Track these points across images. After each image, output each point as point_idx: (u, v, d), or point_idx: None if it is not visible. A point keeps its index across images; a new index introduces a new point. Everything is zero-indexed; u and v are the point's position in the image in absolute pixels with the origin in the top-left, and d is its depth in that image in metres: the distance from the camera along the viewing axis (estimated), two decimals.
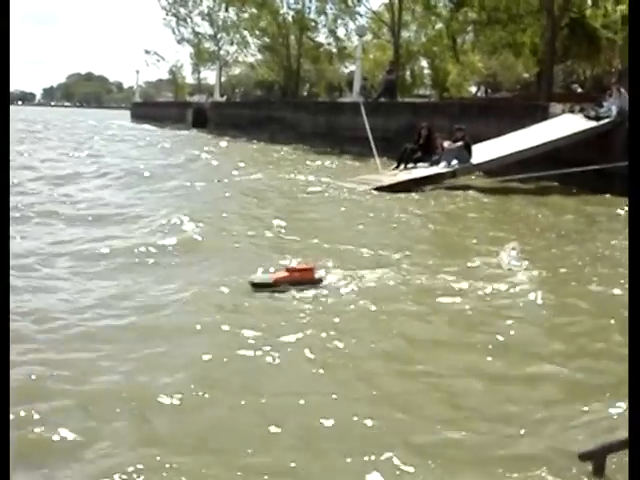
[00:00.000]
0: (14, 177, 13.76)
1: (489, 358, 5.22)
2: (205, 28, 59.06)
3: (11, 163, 16.80)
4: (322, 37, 46.53)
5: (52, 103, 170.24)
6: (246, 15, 51.45)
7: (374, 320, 6.03)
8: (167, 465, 3.52)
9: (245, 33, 53.31)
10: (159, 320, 5.90)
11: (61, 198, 12.86)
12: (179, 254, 8.36)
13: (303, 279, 6.96)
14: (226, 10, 55.27)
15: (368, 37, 40.38)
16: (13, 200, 10.41)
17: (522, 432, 4.01)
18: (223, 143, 31.41)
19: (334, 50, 46.20)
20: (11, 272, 6.06)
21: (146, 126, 49.44)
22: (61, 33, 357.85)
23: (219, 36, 57.61)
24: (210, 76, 63.09)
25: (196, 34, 60.16)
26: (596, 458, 3.40)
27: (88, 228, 9.94)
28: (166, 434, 3.90)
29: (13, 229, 8.51)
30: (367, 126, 20.86)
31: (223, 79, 56.46)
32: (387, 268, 7.69)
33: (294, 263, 7.47)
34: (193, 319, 5.86)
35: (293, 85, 46.63)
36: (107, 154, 23.14)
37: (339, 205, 13.13)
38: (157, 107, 67.01)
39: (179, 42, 61.78)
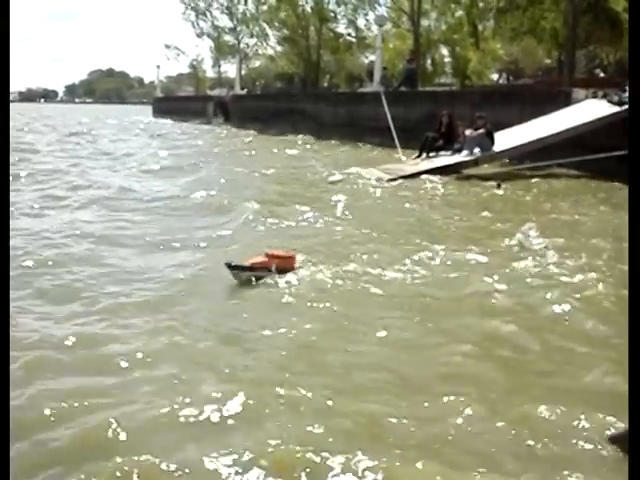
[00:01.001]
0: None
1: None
2: (224, 21, 59.31)
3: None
4: (342, 27, 46.53)
5: (75, 100, 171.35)
6: (265, 7, 51.55)
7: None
8: None
9: (264, 25, 53.43)
10: None
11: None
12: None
13: (284, 266, 6.76)
14: (245, 3, 55.47)
15: (388, 26, 40.19)
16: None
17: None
18: (248, 138, 31.51)
19: (354, 40, 46.15)
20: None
21: (175, 123, 49.66)
22: (82, 30, 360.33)
23: (239, 29, 57.78)
24: (230, 69, 63.24)
25: (216, 27, 60.42)
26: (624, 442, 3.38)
27: None
28: None
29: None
30: (388, 116, 20.85)
31: (243, 72, 56.50)
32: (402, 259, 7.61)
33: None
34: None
35: (313, 76, 46.60)
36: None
37: (360, 194, 13.18)
38: (178, 101, 67.23)
39: (199, 36, 62.12)
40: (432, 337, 5.34)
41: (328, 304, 5.96)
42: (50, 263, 7.44)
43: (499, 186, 13.81)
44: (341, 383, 4.45)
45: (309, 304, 5.99)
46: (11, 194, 14.44)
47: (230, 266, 6.74)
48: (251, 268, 6.74)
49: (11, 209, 10.15)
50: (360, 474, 3.32)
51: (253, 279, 6.64)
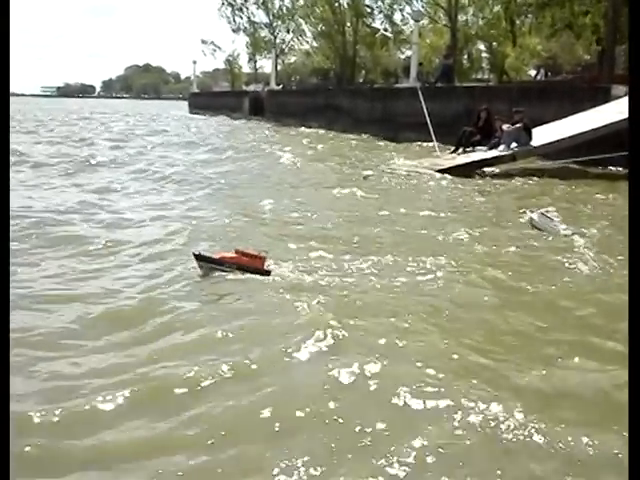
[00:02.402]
0: None
1: None
2: (261, 17, 59.62)
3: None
4: (378, 23, 46.46)
5: (113, 95, 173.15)
6: (301, 2, 51.70)
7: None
8: None
9: (300, 21, 53.60)
10: None
11: None
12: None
13: (251, 266, 6.59)
14: None
15: (424, 21, 40.06)
16: None
17: None
18: (282, 133, 31.68)
19: (390, 36, 46.05)
20: None
21: (215, 118, 50.04)
22: (119, 25, 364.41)
23: (275, 24, 58.02)
24: (266, 65, 63.55)
25: (252, 23, 60.78)
26: None
27: None
28: None
29: None
30: (425, 111, 20.78)
31: (279, 67, 56.76)
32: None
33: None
34: None
35: (349, 72, 46.60)
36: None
37: (396, 188, 13.21)
38: (214, 97, 67.64)
39: (235, 31, 62.53)
40: None
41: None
42: None
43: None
44: None
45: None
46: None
47: (197, 256, 6.63)
48: (218, 262, 6.62)
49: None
50: None
51: (217, 273, 6.54)
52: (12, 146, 16.33)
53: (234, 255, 6.67)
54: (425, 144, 20.99)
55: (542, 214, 9.07)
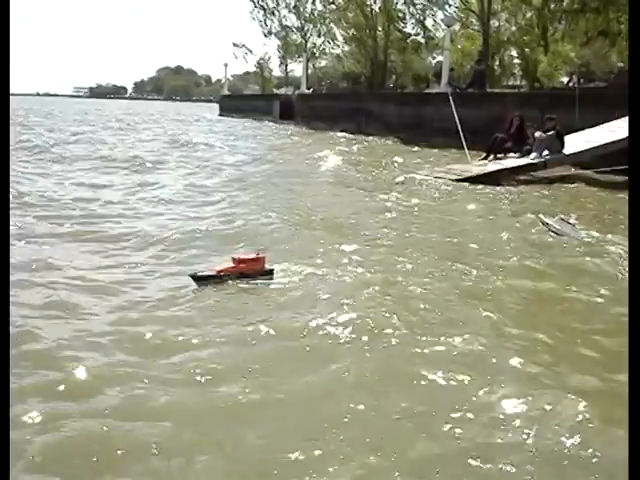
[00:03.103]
0: None
1: None
2: (292, 20, 59.76)
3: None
4: (409, 28, 46.35)
5: (144, 96, 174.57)
6: (333, 7, 51.72)
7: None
8: None
9: (332, 25, 53.63)
10: None
11: None
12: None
13: (250, 270, 6.51)
14: (313, 2, 55.79)
15: (456, 27, 39.90)
16: None
17: None
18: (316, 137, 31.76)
19: (421, 41, 45.94)
20: None
21: (246, 121, 50.35)
22: (152, 28, 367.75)
23: (306, 28, 58.11)
24: (296, 68, 63.65)
25: (283, 27, 60.92)
26: None
27: None
28: None
29: None
30: (456, 117, 20.69)
31: (309, 71, 56.80)
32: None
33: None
34: None
35: (380, 76, 46.55)
36: None
37: (427, 195, 13.19)
38: (244, 100, 67.94)
39: (266, 35, 62.69)
40: None
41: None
42: None
43: None
44: None
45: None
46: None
47: (195, 278, 6.46)
48: (216, 276, 6.49)
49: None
50: None
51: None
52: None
53: (231, 265, 6.57)
54: (455, 150, 20.90)
55: (561, 219, 9.15)
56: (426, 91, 39.73)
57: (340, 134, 32.16)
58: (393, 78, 52.35)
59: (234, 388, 4.24)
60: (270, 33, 62.21)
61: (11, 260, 7.11)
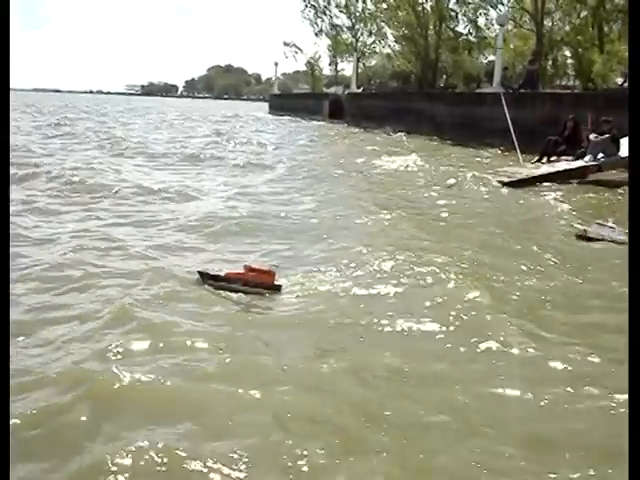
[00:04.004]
0: None
1: None
2: (343, 20, 59.72)
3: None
4: (461, 27, 45.96)
5: (195, 95, 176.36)
6: (384, 6, 51.54)
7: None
8: None
9: (383, 24, 53.46)
10: None
11: None
12: None
13: (258, 281, 6.44)
14: (364, 1, 55.68)
15: (509, 26, 39.45)
16: None
17: None
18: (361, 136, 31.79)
19: (473, 40, 45.50)
20: None
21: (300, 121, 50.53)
22: (204, 26, 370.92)
23: (357, 27, 58.03)
24: (346, 67, 63.69)
25: (334, 26, 60.92)
26: None
27: None
28: None
29: None
30: (508, 117, 20.50)
31: (359, 70, 56.73)
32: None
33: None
34: None
35: (430, 76, 46.28)
36: None
37: (477, 197, 13.11)
38: (294, 99, 68.23)
39: (317, 34, 62.79)
40: None
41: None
42: None
43: None
44: None
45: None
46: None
47: (202, 274, 6.58)
48: (225, 279, 6.52)
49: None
50: None
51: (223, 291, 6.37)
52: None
53: (240, 272, 6.57)
54: (507, 152, 20.72)
55: (599, 224, 9.10)
56: (477, 91, 39.39)
57: (395, 135, 31.95)
58: (443, 78, 52.03)
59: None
60: (321, 32, 62.35)
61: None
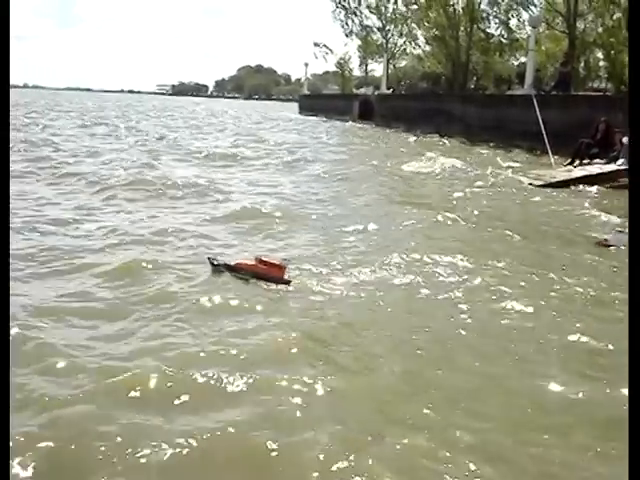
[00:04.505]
0: None
1: None
2: (373, 20, 59.65)
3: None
4: (493, 28, 45.71)
5: (225, 95, 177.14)
6: (415, 7, 51.41)
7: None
8: None
9: (413, 25, 53.33)
10: None
11: None
12: None
13: (269, 274, 6.50)
14: (395, 2, 55.58)
15: (540, 28, 39.15)
16: None
17: None
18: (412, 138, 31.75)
19: (505, 41, 45.23)
20: None
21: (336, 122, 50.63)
22: (234, 26, 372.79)
23: (387, 28, 57.93)
24: (376, 68, 63.60)
25: (364, 27, 60.87)
26: None
27: None
28: None
29: None
30: (540, 120, 20.40)
31: (389, 71, 56.62)
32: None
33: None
34: None
35: (461, 77, 46.08)
36: None
37: (510, 199, 13.09)
38: (324, 99, 68.29)
39: (347, 35, 62.78)
40: None
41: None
42: None
43: None
44: None
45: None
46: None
47: (213, 263, 6.67)
48: (235, 269, 6.60)
49: None
50: None
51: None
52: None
53: (251, 263, 6.63)
54: (539, 154, 20.60)
55: (619, 231, 9.09)
56: (508, 93, 39.16)
57: (427, 138, 31.83)
58: (474, 79, 51.79)
59: None
60: (351, 33, 62.34)
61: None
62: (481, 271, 7.23)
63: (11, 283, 5.50)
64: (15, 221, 8.88)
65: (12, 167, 13.21)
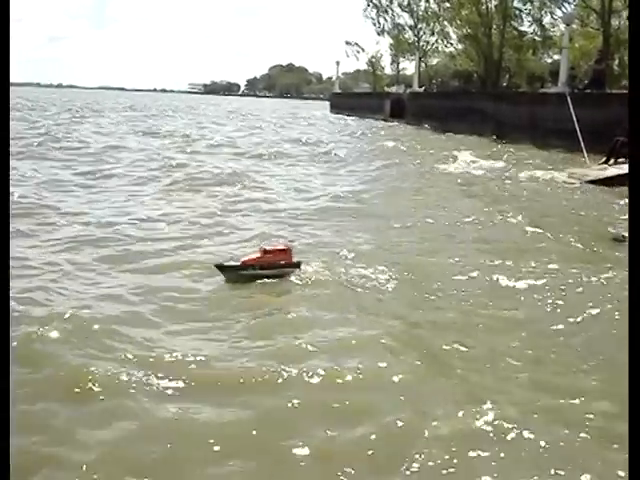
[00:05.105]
0: None
1: None
2: (405, 19, 59.60)
3: None
4: (526, 26, 45.43)
5: (256, 94, 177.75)
6: (447, 5, 51.26)
7: None
8: None
9: (445, 23, 53.17)
10: None
11: None
12: None
13: (276, 262, 6.49)
14: (427, 0, 55.45)
15: (574, 25, 38.80)
16: None
17: None
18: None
19: (538, 39, 44.93)
20: None
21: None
22: (266, 25, 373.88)
23: (419, 26, 57.83)
24: (408, 66, 63.50)
25: (396, 25, 60.82)
26: None
27: None
28: None
29: None
30: (574, 118, 20.26)
31: (421, 69, 56.52)
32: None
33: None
34: None
35: (494, 75, 45.83)
36: None
37: (546, 197, 13.07)
38: (355, 98, 68.24)
39: (379, 33, 62.79)
40: None
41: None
42: None
43: None
44: None
45: None
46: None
47: (220, 267, 6.58)
48: (242, 267, 6.54)
49: None
50: None
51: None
52: None
53: (257, 256, 6.60)
54: (573, 152, 20.45)
55: None
56: (541, 91, 38.86)
57: (470, 138, 31.72)
58: (506, 77, 51.49)
59: None
60: (383, 31, 62.35)
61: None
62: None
63: None
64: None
65: None
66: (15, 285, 5.81)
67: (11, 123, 21.16)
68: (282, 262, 6.50)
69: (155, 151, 20.23)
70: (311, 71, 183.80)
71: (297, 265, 6.54)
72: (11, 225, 7.17)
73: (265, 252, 6.56)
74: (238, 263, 6.61)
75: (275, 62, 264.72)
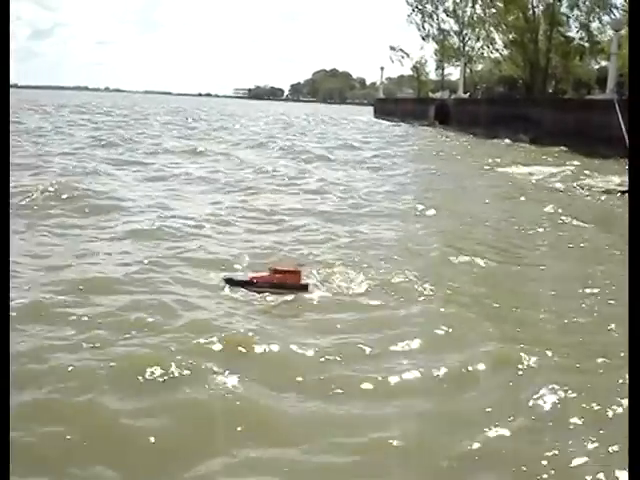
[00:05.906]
0: None
1: None
2: (450, 24, 59.40)
3: None
4: (573, 31, 44.94)
5: (300, 98, 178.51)
6: (493, 10, 50.93)
7: None
8: None
9: (491, 29, 52.83)
10: None
11: None
12: None
13: (284, 282, 6.47)
14: (472, 6, 55.19)
15: (623, 31, 38.28)
16: None
17: None
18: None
19: (586, 45, 44.40)
20: None
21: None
22: (310, 31, 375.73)
23: (464, 32, 57.59)
24: (453, 72, 63.25)
25: (441, 30, 60.62)
26: None
27: None
28: None
29: None
30: (622, 125, 20.00)
31: (465, 75, 56.25)
32: None
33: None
34: None
35: (540, 81, 45.40)
36: None
37: (590, 207, 12.97)
38: (399, 103, 68.15)
39: (424, 39, 62.61)
40: None
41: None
42: None
43: None
44: None
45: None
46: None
47: (229, 281, 6.61)
48: (250, 283, 6.54)
49: None
50: None
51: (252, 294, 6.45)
52: None
53: (266, 274, 6.62)
54: (620, 159, 20.15)
55: None
56: (588, 97, 38.42)
57: (505, 142, 31.53)
58: (552, 83, 50.97)
59: None
60: (427, 37, 62.17)
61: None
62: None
63: None
64: None
65: None
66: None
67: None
68: (289, 283, 6.52)
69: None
70: (354, 76, 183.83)
71: (305, 288, 6.53)
72: None
73: (275, 272, 6.59)
74: (246, 279, 6.65)
75: (319, 67, 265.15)
